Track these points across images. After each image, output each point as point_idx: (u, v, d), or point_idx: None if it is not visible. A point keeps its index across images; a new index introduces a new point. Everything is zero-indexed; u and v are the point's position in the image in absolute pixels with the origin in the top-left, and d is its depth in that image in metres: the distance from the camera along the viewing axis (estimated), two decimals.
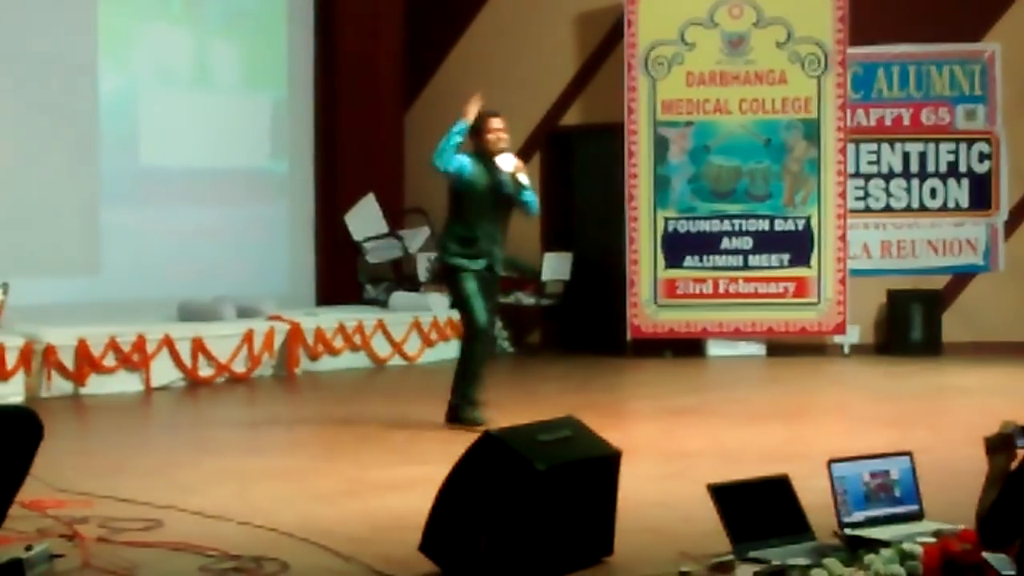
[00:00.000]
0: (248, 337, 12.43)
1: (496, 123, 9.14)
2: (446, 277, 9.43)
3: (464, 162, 9.03)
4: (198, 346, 11.98)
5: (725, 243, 14.01)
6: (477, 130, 9.10)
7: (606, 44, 14.75)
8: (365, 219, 14.85)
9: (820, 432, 8.47)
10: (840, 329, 14.07)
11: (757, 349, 14.24)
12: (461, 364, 9.20)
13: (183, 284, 12.99)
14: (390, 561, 5.50)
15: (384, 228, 14.95)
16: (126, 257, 12.79)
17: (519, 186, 9.05)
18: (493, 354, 9.37)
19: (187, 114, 13.57)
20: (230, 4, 14.02)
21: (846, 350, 14.21)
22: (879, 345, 14.48)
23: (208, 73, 13.91)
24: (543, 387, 12.10)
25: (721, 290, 14.01)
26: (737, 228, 14.02)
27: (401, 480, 7.20)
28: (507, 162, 9.04)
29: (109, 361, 11.35)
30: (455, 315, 14.11)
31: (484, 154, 9.08)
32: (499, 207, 9.16)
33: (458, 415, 9.03)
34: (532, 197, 9.25)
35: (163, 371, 11.74)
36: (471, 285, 9.03)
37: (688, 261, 13.98)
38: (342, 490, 7.19)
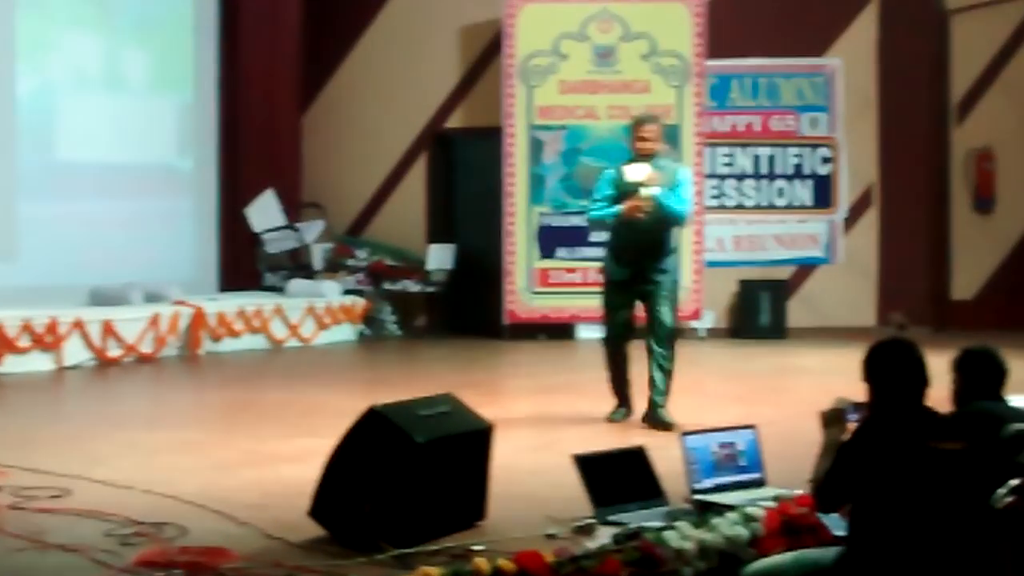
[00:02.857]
0: (155, 320, 12.33)
1: (646, 129, 8.44)
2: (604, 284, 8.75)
3: (611, 211, 8.36)
4: (108, 329, 11.86)
5: (593, 236, 13.99)
6: (631, 133, 8.55)
7: (487, 54, 14.73)
8: (264, 212, 14.70)
9: (676, 407, 8.38)
10: (696, 315, 14.10)
11: None
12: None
13: (95, 271, 12.80)
14: (282, 526, 5.53)
15: (282, 221, 14.80)
16: (41, 245, 12.53)
17: (640, 195, 8.29)
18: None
19: (100, 114, 13.39)
20: (140, 12, 13.78)
21: (701, 333, 14.25)
22: (731, 329, 14.60)
23: (119, 76, 13.71)
24: (426, 367, 12.10)
25: (590, 279, 13.87)
26: None
27: (294, 452, 7.19)
28: (637, 172, 8.35)
29: (23, 342, 11.21)
30: (347, 300, 14.28)
31: (635, 159, 8.39)
32: (649, 225, 8.36)
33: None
34: (671, 204, 8.34)
35: (74, 352, 11.61)
36: (612, 296, 8.56)
37: (560, 252, 13.98)
38: (239, 461, 7.23)
